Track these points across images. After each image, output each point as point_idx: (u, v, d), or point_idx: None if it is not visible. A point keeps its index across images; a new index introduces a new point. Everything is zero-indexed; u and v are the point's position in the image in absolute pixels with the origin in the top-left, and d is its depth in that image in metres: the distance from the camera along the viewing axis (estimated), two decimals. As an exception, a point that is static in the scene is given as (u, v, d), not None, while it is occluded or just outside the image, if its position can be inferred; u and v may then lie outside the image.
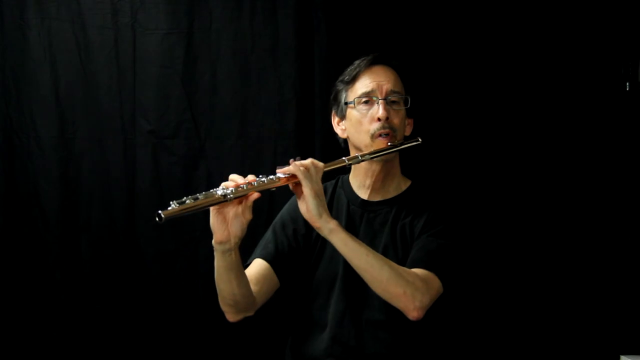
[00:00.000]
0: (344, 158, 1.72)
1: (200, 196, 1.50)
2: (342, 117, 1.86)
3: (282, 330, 1.94)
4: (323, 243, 1.79)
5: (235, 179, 1.54)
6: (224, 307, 1.67)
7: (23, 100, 2.29)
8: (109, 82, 2.28)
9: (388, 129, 1.75)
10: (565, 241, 2.24)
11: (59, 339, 2.28)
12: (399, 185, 1.86)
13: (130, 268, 2.29)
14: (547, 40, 2.24)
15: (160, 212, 1.42)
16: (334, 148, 1.95)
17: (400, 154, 1.83)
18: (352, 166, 1.89)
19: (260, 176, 1.56)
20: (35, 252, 2.29)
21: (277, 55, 2.27)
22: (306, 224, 1.79)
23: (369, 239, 1.75)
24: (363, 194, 1.85)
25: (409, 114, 1.86)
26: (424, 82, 2.20)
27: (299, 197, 1.59)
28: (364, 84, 1.79)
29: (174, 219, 1.45)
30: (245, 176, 1.55)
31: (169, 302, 2.28)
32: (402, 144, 1.78)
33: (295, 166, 1.57)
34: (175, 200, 1.46)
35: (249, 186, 1.53)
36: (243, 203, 1.54)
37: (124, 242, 2.29)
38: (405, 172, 1.87)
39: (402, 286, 1.59)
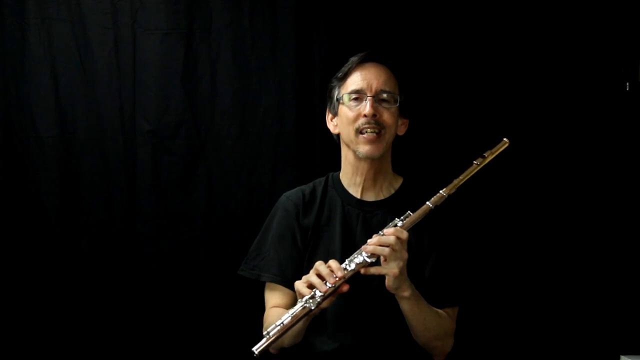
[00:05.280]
0: (428, 203, 1.66)
1: (288, 318, 1.56)
2: (335, 113, 1.86)
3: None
4: (317, 241, 1.80)
5: (322, 276, 1.57)
6: (275, 349, 1.74)
7: (23, 100, 2.29)
8: (109, 82, 2.28)
9: (374, 125, 1.75)
10: (565, 241, 2.24)
11: (59, 339, 2.28)
12: (391, 183, 1.86)
13: (130, 268, 2.28)
14: (547, 40, 2.24)
15: (254, 349, 1.53)
16: (334, 148, 1.95)
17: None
18: (342, 163, 1.89)
19: (347, 262, 1.60)
20: (35, 252, 2.28)
21: (277, 55, 2.27)
22: (301, 225, 1.80)
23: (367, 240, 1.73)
24: (355, 193, 1.85)
25: (405, 113, 1.86)
26: (422, 80, 2.21)
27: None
28: (354, 81, 1.80)
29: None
30: (327, 264, 1.59)
31: (169, 302, 2.28)
32: (490, 153, 1.72)
33: (381, 248, 1.58)
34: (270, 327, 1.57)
35: (338, 280, 1.56)
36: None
37: (124, 242, 2.29)
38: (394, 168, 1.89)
39: (442, 340, 1.73)
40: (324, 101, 1.96)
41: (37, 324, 2.28)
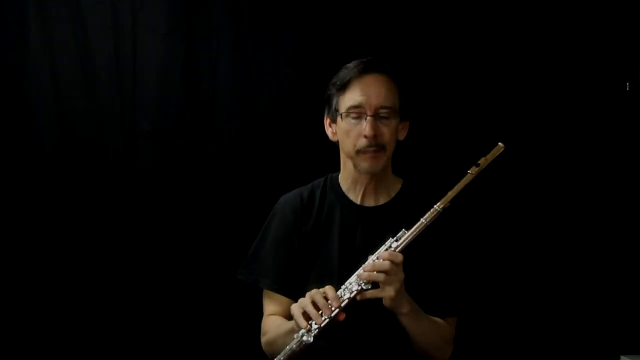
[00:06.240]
0: (422, 220, 1.61)
1: (287, 352, 1.56)
2: (334, 120, 1.83)
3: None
4: (315, 247, 1.78)
5: (318, 306, 1.55)
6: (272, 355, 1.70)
7: (23, 100, 2.29)
8: (109, 82, 2.28)
9: (375, 146, 1.72)
10: (565, 241, 2.24)
11: (59, 339, 2.28)
12: (392, 186, 1.84)
13: (130, 268, 2.28)
14: (547, 40, 2.24)
15: None
16: (333, 149, 1.95)
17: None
18: (341, 167, 1.86)
19: (342, 289, 1.59)
20: (35, 252, 2.28)
21: (277, 55, 2.27)
22: (299, 231, 1.79)
23: (368, 247, 1.68)
24: (355, 198, 1.81)
25: (405, 117, 1.84)
26: (422, 83, 2.20)
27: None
28: (353, 97, 1.73)
29: None
30: (324, 290, 1.57)
31: (168, 303, 2.28)
32: (485, 160, 1.64)
33: (377, 275, 1.57)
34: None
35: (334, 310, 1.55)
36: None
37: (124, 242, 2.29)
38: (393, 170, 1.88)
39: (441, 350, 1.73)
40: (323, 102, 1.95)
41: (37, 324, 2.28)
